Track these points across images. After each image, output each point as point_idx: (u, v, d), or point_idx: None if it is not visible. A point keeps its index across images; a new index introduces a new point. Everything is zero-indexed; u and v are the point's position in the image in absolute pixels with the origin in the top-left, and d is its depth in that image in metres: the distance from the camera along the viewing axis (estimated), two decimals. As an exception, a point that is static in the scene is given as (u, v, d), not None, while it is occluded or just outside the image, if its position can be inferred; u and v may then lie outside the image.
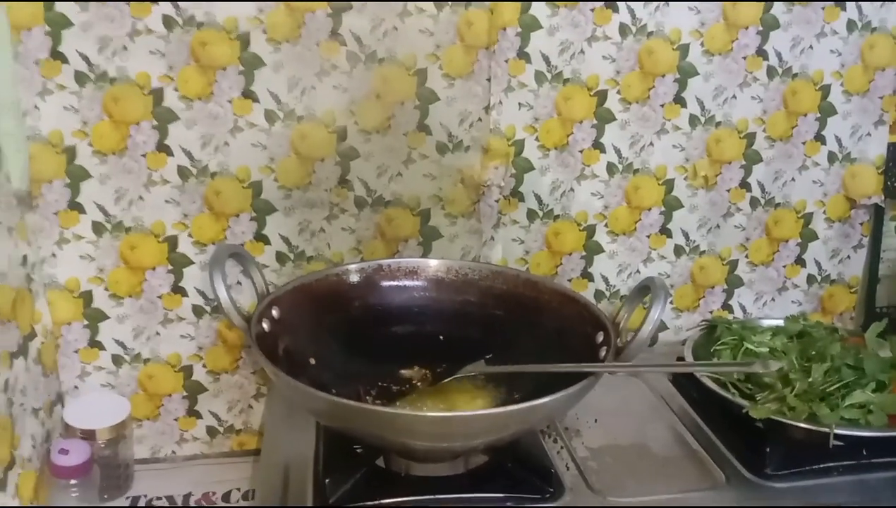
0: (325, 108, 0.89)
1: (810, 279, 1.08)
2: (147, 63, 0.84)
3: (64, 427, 0.88)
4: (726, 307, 1.07)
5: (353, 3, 0.86)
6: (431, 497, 0.71)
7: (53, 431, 0.88)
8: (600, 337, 0.76)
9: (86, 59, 0.83)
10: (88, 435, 0.87)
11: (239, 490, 0.94)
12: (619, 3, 0.91)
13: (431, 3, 0.88)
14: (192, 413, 0.97)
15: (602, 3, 0.91)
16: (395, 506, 0.71)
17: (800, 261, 1.07)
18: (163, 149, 0.87)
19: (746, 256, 1.06)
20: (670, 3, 0.93)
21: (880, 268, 1.09)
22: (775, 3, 0.95)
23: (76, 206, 0.87)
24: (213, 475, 0.96)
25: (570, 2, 0.90)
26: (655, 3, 0.92)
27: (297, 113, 0.89)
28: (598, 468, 0.78)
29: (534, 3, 0.90)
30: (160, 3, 0.82)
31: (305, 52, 0.87)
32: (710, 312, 1.07)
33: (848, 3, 0.97)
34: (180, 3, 0.83)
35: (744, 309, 1.08)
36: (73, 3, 0.80)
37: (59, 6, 0.80)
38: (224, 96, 0.87)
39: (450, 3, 0.88)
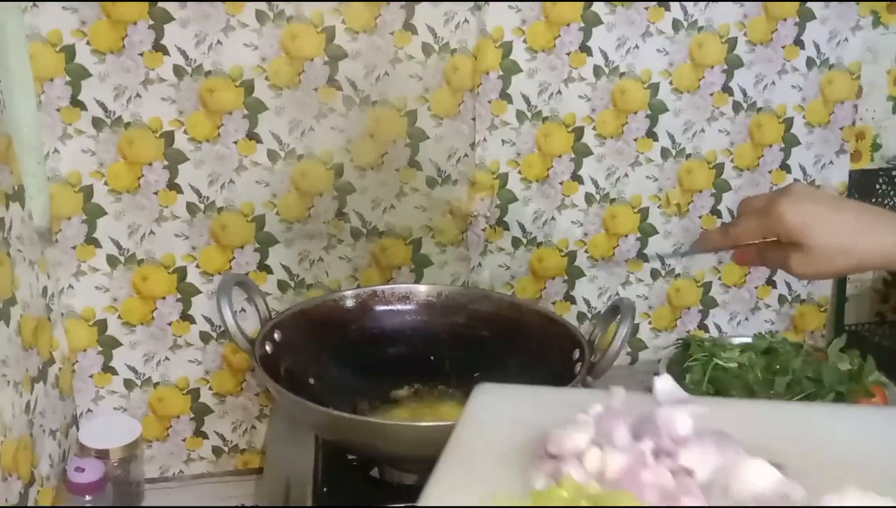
0: (324, 148, 0.96)
1: (781, 299, 1.14)
2: (159, 109, 0.90)
3: (79, 448, 0.92)
4: (702, 326, 1.13)
5: (349, 52, 0.93)
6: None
7: (69, 451, 0.92)
8: (576, 354, 0.81)
9: (102, 105, 0.89)
10: (102, 455, 0.90)
11: (243, 506, 0.98)
12: (592, 47, 0.99)
13: (420, 50, 0.95)
14: (199, 433, 1.02)
15: (577, 48, 0.99)
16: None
17: (770, 282, 1.13)
18: (173, 187, 0.94)
19: (720, 278, 1.11)
20: (640, 47, 1.00)
21: (847, 288, 1.15)
22: (738, 44, 1.03)
23: (92, 241, 0.93)
24: (218, 493, 1.00)
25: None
26: (627, 47, 1.00)
27: (298, 152, 0.95)
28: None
29: (514, 49, 0.97)
30: (171, 54, 0.89)
31: (305, 96, 0.94)
32: (687, 331, 1.12)
33: (807, 43, 1.04)
34: (189, 55, 0.90)
35: (719, 328, 1.13)
36: (92, 55, 0.88)
37: (78, 59, 0.87)
38: (230, 138, 0.93)
39: (437, 50, 0.95)
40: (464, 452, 0.44)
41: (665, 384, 0.39)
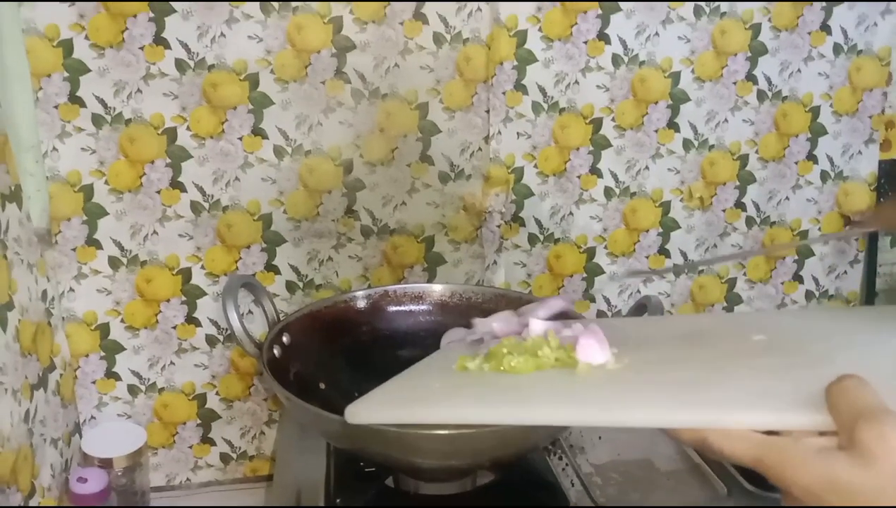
0: (332, 143, 0.93)
1: (808, 295, 1.10)
2: (161, 104, 0.88)
3: (82, 457, 0.90)
4: (726, 324, 1.09)
5: (357, 43, 0.90)
6: (440, 515, 0.73)
7: (72, 460, 0.90)
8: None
9: (102, 102, 0.87)
10: (106, 464, 0.89)
11: (253, 515, 0.96)
12: (610, 35, 0.95)
13: (431, 41, 0.91)
14: (206, 440, 0.99)
15: (595, 36, 0.95)
16: (405, 525, 0.72)
17: (797, 278, 1.09)
18: (176, 185, 0.91)
19: (744, 274, 1.08)
20: (661, 34, 0.96)
21: (877, 283, 1.11)
22: (763, 31, 0.99)
23: (93, 242, 0.90)
24: (226, 501, 0.98)
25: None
26: (646, 34, 0.96)
27: (305, 148, 0.93)
28: (603, 483, 0.80)
29: (529, 38, 0.93)
30: (172, 48, 0.86)
31: (312, 90, 0.91)
32: (712, 330, 1.09)
33: (834, 28, 1.01)
34: (191, 48, 0.87)
35: (744, 326, 1.10)
36: (90, 50, 0.85)
37: (76, 53, 0.85)
38: (235, 134, 0.91)
39: (449, 40, 0.92)
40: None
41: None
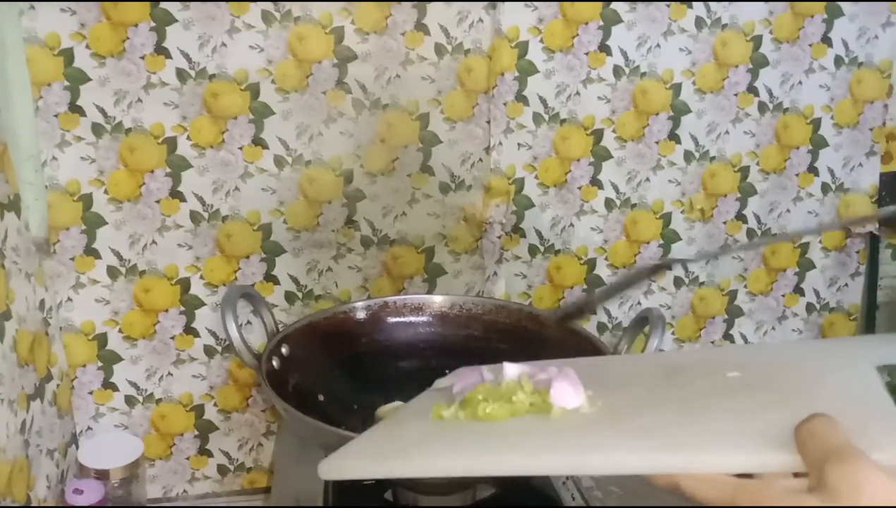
0: (332, 153, 0.93)
1: (809, 307, 1.10)
2: (161, 114, 0.88)
3: (78, 468, 0.90)
4: (727, 337, 1.09)
5: (358, 53, 0.90)
6: (440, 529, 0.72)
7: (68, 471, 0.90)
8: (602, 369, 0.77)
9: (102, 111, 0.86)
10: (102, 475, 0.88)
11: (250, 528, 0.95)
12: (612, 46, 0.95)
13: (432, 51, 0.91)
14: (204, 451, 0.99)
15: (596, 48, 0.95)
16: (404, 539, 0.72)
17: (798, 290, 1.09)
18: (176, 195, 0.90)
19: (745, 286, 1.08)
20: (662, 45, 0.96)
21: (878, 296, 1.11)
22: (764, 43, 0.99)
23: (92, 252, 0.90)
24: (224, 513, 0.98)
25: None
26: (647, 46, 0.96)
27: (305, 158, 0.92)
28: (604, 497, 0.79)
29: (530, 49, 0.93)
30: (173, 57, 0.86)
31: (313, 100, 0.91)
32: (712, 342, 1.08)
33: (835, 40, 1.01)
34: (192, 58, 0.87)
35: (745, 338, 1.09)
36: (91, 59, 0.85)
37: (77, 62, 0.84)
38: (235, 144, 0.90)
39: (450, 51, 0.92)
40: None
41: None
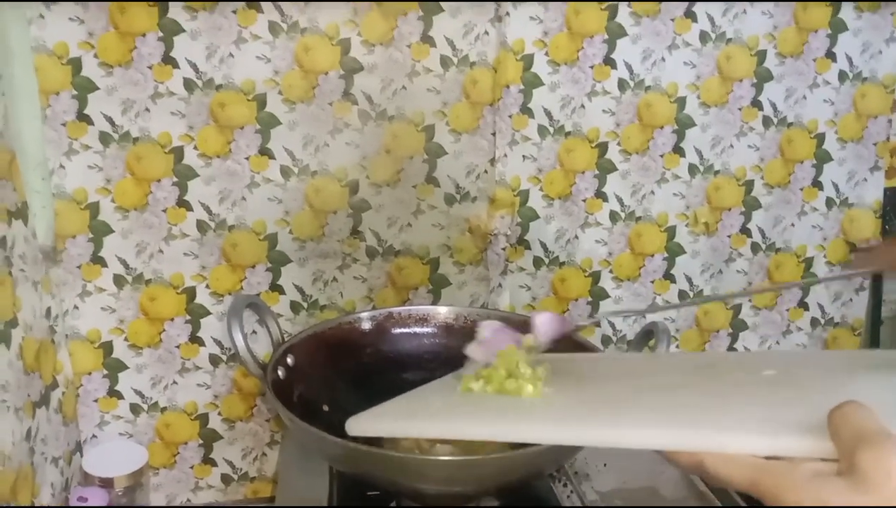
0: (338, 164, 0.93)
1: (814, 322, 1.10)
2: (168, 123, 0.88)
3: (83, 476, 0.89)
4: (731, 350, 1.09)
5: (364, 65, 0.91)
6: (443, 541, 0.72)
7: (72, 479, 0.90)
8: (606, 381, 0.77)
9: (110, 120, 0.87)
10: (106, 483, 0.88)
11: (253, 537, 0.95)
12: (617, 60, 0.96)
13: (438, 63, 0.92)
14: (208, 460, 0.99)
15: (601, 61, 0.95)
16: (407, 551, 0.72)
17: (802, 305, 1.09)
18: (182, 204, 0.91)
19: (750, 300, 1.07)
20: (666, 59, 0.97)
21: (883, 310, 1.11)
22: (768, 57, 0.99)
23: (98, 260, 0.90)
24: (227, 523, 0.98)
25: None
26: (652, 59, 0.96)
27: (312, 168, 0.93)
28: (607, 511, 0.79)
29: (535, 62, 0.94)
30: (181, 67, 0.87)
31: (319, 111, 0.91)
32: (716, 356, 1.08)
33: (839, 55, 1.01)
34: (200, 68, 0.87)
35: (749, 352, 1.09)
36: (99, 68, 0.85)
37: (85, 71, 0.85)
38: (241, 154, 0.91)
39: (456, 63, 0.92)
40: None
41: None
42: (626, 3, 0.94)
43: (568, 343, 0.85)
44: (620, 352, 0.63)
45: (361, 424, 0.56)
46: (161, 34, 0.86)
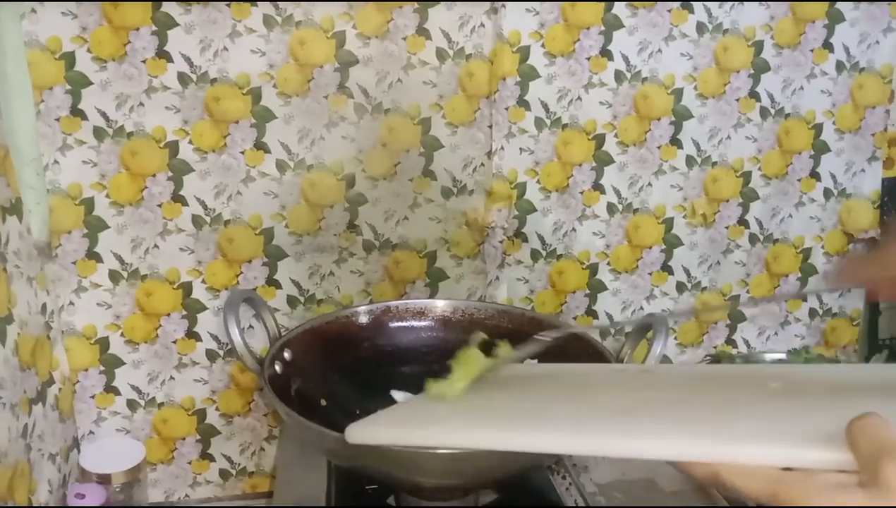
0: (334, 157, 0.93)
1: (812, 313, 1.10)
2: (163, 118, 0.88)
3: (80, 472, 0.89)
4: (730, 342, 1.09)
5: (360, 58, 0.90)
6: (442, 534, 0.72)
7: (70, 476, 0.89)
8: (604, 373, 0.77)
9: (104, 115, 0.86)
10: (104, 479, 0.88)
11: (252, 532, 0.95)
12: (613, 51, 0.95)
13: (434, 56, 0.91)
14: (206, 456, 0.98)
15: (597, 53, 0.95)
16: (406, 545, 0.72)
17: (801, 296, 1.09)
18: (178, 199, 0.90)
19: (747, 292, 1.07)
20: (663, 50, 0.96)
21: (881, 301, 1.11)
22: (765, 48, 0.99)
23: (94, 256, 0.90)
24: (225, 518, 0.97)
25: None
26: (649, 51, 0.96)
27: (307, 162, 0.92)
28: (607, 503, 0.79)
29: (532, 54, 0.93)
30: (175, 61, 0.86)
31: (314, 104, 0.91)
32: (715, 347, 1.08)
33: (836, 46, 1.01)
34: (194, 62, 0.87)
35: (747, 343, 1.09)
36: (92, 63, 0.85)
37: (78, 66, 0.84)
38: (237, 148, 0.90)
39: (452, 56, 0.92)
40: None
41: None
42: (623, -6, 0.93)
43: (566, 337, 0.85)
44: (626, 364, 0.62)
45: (361, 431, 0.56)
46: (155, 28, 0.85)
